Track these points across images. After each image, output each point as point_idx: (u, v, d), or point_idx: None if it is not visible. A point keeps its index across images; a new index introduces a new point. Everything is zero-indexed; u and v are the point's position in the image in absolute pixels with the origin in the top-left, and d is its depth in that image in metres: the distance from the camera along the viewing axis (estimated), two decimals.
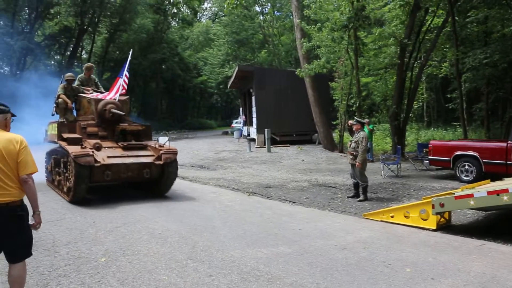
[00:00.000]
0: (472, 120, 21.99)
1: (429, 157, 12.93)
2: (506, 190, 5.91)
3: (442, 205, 6.57)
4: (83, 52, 48.58)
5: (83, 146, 8.99)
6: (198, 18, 67.86)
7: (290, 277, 4.75)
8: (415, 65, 18.95)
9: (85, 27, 39.69)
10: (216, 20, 61.99)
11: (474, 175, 11.52)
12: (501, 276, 4.72)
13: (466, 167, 11.79)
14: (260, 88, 26.43)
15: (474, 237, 6.39)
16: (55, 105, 11.39)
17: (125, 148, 9.86)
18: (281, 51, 44.03)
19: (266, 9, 45.56)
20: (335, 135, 22.74)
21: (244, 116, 33.82)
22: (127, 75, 11.34)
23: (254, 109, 27.34)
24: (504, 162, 11.02)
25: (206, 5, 67.42)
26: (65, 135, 9.88)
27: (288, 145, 24.94)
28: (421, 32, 17.87)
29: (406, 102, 18.30)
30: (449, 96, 24.21)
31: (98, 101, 10.53)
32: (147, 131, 11.05)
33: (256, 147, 24.83)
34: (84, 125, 10.30)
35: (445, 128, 24.27)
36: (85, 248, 5.89)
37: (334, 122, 22.45)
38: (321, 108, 22.33)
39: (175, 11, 58.16)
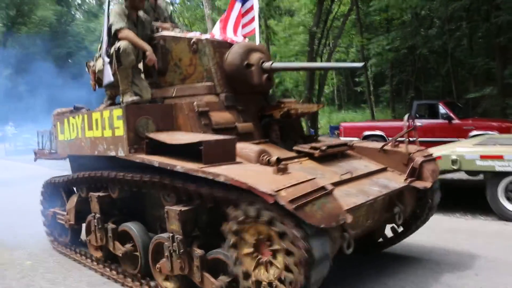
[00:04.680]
0: (379, 102, 23.37)
1: (341, 138, 13.63)
2: None
3: None
4: None
5: (282, 168, 2.94)
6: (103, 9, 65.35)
7: None
8: (324, 51, 19.71)
9: None
10: None
11: None
12: None
13: None
14: None
15: None
16: (107, 59, 4.17)
17: (321, 160, 4.01)
18: None
19: None
20: None
21: None
22: None
23: None
24: (407, 139, 11.94)
25: None
26: (168, 137, 3.72)
27: None
28: (329, 20, 18.60)
29: (317, 87, 19.02)
30: (357, 80, 25.48)
31: (221, 46, 4.40)
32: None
33: None
34: (202, 107, 4.03)
35: (355, 110, 25.44)
36: (7, 254, 5.64)
37: None
38: None
39: (79, 2, 55.50)
